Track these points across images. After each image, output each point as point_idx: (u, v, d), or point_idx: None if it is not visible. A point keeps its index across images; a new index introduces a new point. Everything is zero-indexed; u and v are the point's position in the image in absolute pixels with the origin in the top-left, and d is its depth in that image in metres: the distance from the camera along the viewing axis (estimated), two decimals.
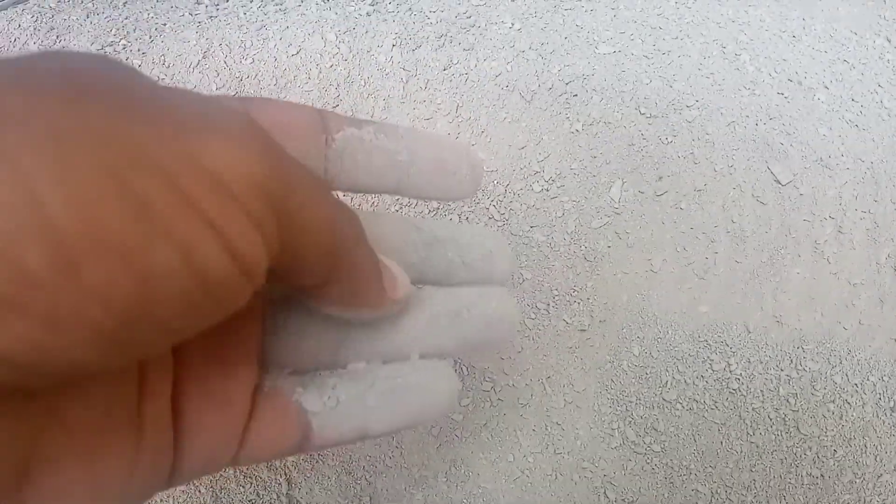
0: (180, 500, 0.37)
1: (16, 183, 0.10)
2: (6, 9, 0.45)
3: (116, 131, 0.11)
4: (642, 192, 0.39)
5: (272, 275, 0.15)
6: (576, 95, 0.38)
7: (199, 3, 0.44)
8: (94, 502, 0.15)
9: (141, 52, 0.42)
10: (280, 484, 0.37)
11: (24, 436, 0.13)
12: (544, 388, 0.39)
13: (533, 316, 0.39)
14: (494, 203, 0.39)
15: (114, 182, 0.11)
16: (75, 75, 0.12)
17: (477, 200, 0.39)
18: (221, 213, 0.12)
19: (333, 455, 0.37)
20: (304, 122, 0.19)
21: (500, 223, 0.39)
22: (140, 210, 0.11)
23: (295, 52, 0.39)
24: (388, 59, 0.38)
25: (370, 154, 0.20)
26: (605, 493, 0.39)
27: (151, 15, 0.43)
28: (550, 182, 0.39)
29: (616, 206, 0.39)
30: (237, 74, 0.40)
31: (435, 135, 0.21)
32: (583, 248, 0.39)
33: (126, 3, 0.44)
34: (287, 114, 0.18)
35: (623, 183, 0.39)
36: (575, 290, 0.39)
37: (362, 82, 0.38)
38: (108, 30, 0.43)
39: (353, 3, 0.40)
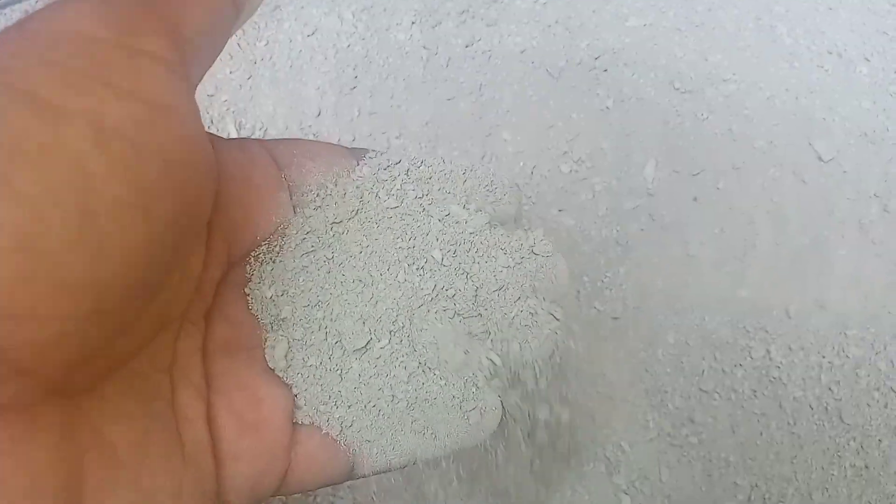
0: None
1: None
2: (3, 8, 0.44)
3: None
4: (677, 172, 0.37)
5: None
6: (606, 71, 0.37)
7: None
8: None
9: None
10: None
11: (70, 456, 0.13)
12: (575, 380, 0.37)
13: (563, 304, 0.38)
14: (521, 185, 0.37)
15: (1, 90, 0.12)
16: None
17: None
18: (101, 65, 0.13)
19: None
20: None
21: (526, 207, 0.38)
22: (35, 104, 0.12)
23: (311, 33, 0.38)
24: (408, 37, 0.37)
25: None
26: (639, 487, 0.37)
27: None
28: (580, 163, 0.37)
29: (650, 186, 0.37)
30: (251, 57, 0.38)
31: None
32: (615, 231, 0.37)
33: None
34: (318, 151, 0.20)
35: (657, 162, 0.37)
36: (607, 276, 0.38)
37: (381, 62, 0.37)
38: None
39: None
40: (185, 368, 0.17)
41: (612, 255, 0.38)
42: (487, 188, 0.21)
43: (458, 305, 0.20)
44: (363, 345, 0.19)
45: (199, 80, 0.16)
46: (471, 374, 0.20)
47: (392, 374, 0.20)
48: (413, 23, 0.37)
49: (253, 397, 0.18)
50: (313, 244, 0.20)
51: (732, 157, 0.37)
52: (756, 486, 0.38)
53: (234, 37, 0.38)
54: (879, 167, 0.38)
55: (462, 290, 0.20)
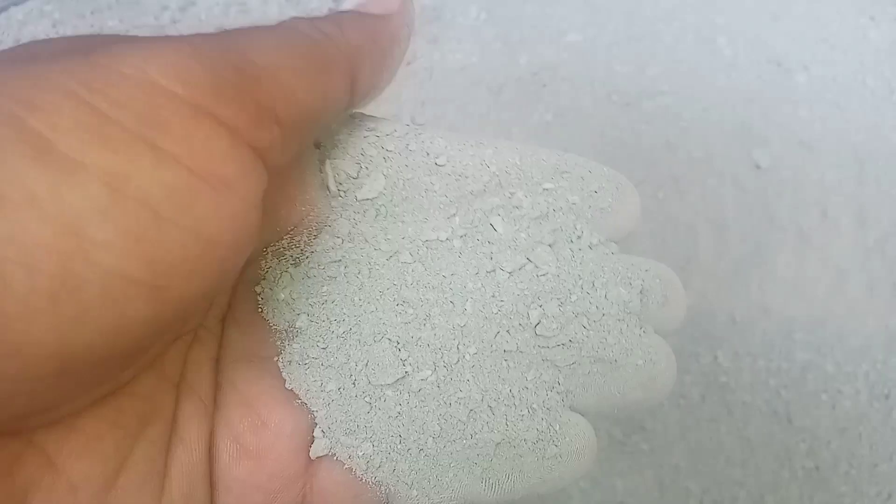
0: None
1: None
2: (4, 10, 0.44)
3: (14, 72, 0.11)
4: None
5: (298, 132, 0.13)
6: (545, 86, 0.37)
7: (165, 9, 0.43)
8: None
9: None
10: None
11: (12, 488, 0.12)
12: None
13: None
14: None
15: (10, 126, 0.10)
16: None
17: None
18: (152, 121, 0.11)
19: None
20: None
21: None
22: (41, 150, 0.10)
23: None
24: None
25: None
26: (591, 494, 0.38)
27: (117, 23, 0.43)
28: None
29: None
30: None
31: None
32: None
33: (93, 11, 0.43)
34: None
35: None
36: None
37: None
38: None
39: (315, 1, 0.39)
40: (193, 382, 0.15)
41: None
42: (583, 178, 0.17)
43: (541, 328, 0.16)
44: (393, 380, 0.16)
45: (290, 160, 0.14)
46: (550, 410, 0.17)
47: (440, 411, 0.16)
48: None
49: (256, 419, 0.16)
50: (348, 246, 0.16)
51: (671, 168, 0.38)
52: (708, 490, 0.38)
53: None
54: (817, 174, 0.39)
55: (550, 313, 0.16)
